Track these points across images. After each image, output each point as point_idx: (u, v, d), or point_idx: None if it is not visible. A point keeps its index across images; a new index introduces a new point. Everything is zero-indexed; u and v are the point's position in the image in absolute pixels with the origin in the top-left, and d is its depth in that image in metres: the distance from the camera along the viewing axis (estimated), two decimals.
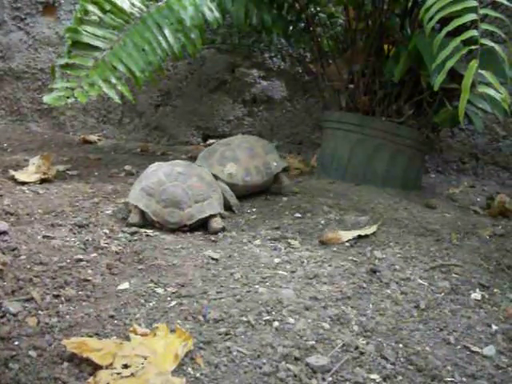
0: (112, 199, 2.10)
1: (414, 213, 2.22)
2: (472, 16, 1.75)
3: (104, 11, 2.23)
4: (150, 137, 3.40)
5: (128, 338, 1.10)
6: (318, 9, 2.83)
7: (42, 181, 2.23)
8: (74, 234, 1.69)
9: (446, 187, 3.01)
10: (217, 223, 1.86)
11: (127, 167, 2.58)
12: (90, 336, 1.11)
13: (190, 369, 1.05)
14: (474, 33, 1.73)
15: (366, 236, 1.84)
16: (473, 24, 1.80)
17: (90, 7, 2.23)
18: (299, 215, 2.05)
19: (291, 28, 2.87)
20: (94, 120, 3.50)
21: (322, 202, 2.21)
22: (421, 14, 1.86)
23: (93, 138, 3.33)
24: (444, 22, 1.89)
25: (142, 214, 1.83)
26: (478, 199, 2.77)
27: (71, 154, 2.88)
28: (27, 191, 2.10)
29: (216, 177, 2.12)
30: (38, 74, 3.51)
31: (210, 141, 3.33)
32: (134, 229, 1.76)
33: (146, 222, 1.84)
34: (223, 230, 1.86)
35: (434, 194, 2.78)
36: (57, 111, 3.47)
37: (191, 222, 1.83)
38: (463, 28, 1.81)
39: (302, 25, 2.86)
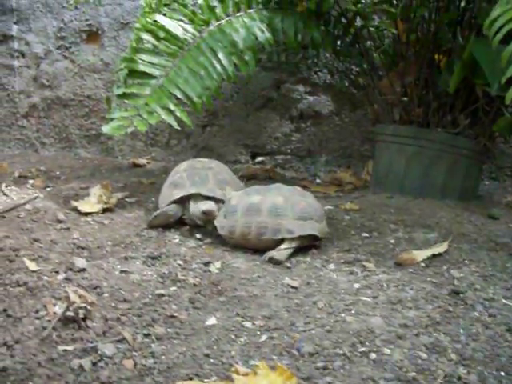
0: (176, 227, 2.10)
1: (479, 225, 2.17)
2: None
3: (158, 39, 2.25)
4: (198, 157, 3.40)
5: (229, 379, 1.09)
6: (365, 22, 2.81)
7: (104, 210, 2.24)
8: (149, 266, 1.69)
9: (502, 194, 2.95)
10: None
11: None
12: (191, 378, 1.10)
13: None
14: None
15: (440, 254, 1.80)
16: None
17: (145, 35, 2.25)
18: (366, 234, 2.02)
19: (339, 43, 2.85)
20: (142, 143, 3.52)
21: (386, 218, 2.18)
22: (485, 25, 1.83)
23: (142, 161, 3.34)
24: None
25: None
26: None
27: (124, 179, 2.90)
28: (92, 222, 2.11)
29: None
30: (84, 100, 3.55)
31: (259, 158, 3.33)
32: (207, 258, 1.75)
33: None
34: None
35: (492, 202, 2.73)
36: (105, 136, 3.50)
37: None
38: None
39: (350, 39, 2.84)
